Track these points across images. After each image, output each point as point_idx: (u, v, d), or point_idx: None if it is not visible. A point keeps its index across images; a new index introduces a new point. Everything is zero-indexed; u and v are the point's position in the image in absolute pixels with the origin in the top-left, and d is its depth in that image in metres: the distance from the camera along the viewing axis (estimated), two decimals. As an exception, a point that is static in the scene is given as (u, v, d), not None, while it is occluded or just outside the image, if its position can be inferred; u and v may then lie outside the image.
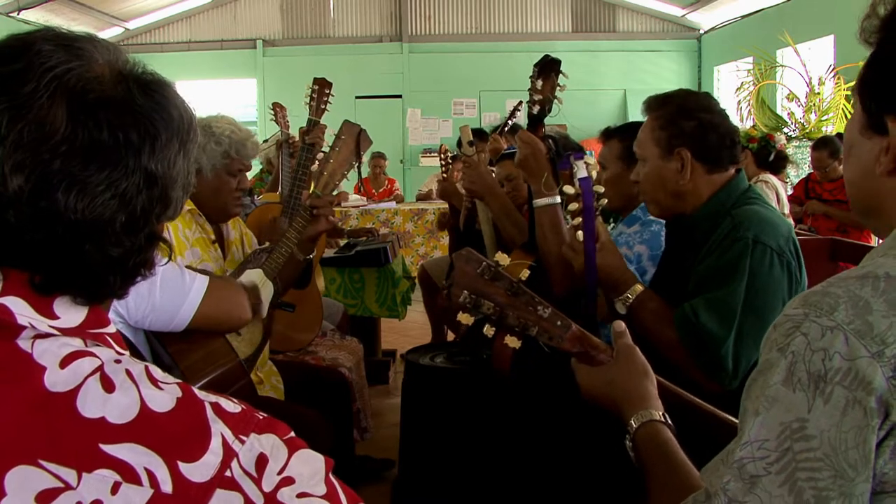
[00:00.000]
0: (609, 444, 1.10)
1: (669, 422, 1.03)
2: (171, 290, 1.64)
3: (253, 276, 2.05)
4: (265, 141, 4.73)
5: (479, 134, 5.20)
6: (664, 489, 0.94)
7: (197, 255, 2.07)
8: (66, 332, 0.68)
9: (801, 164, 6.72)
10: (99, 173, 0.66)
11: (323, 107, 2.67)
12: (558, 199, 1.93)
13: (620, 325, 1.14)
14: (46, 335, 0.66)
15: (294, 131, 3.80)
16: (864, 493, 0.70)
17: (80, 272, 0.68)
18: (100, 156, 0.66)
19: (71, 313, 0.69)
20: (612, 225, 2.37)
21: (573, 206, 1.57)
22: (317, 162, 2.12)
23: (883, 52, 0.79)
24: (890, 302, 0.71)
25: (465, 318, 1.08)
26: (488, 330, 1.09)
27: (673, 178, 1.68)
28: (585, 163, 1.54)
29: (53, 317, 0.68)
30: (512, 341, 1.08)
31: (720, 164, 1.68)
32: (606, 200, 1.59)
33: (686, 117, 1.67)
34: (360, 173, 2.25)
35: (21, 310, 0.66)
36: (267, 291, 2.03)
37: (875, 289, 0.72)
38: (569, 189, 1.56)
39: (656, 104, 1.73)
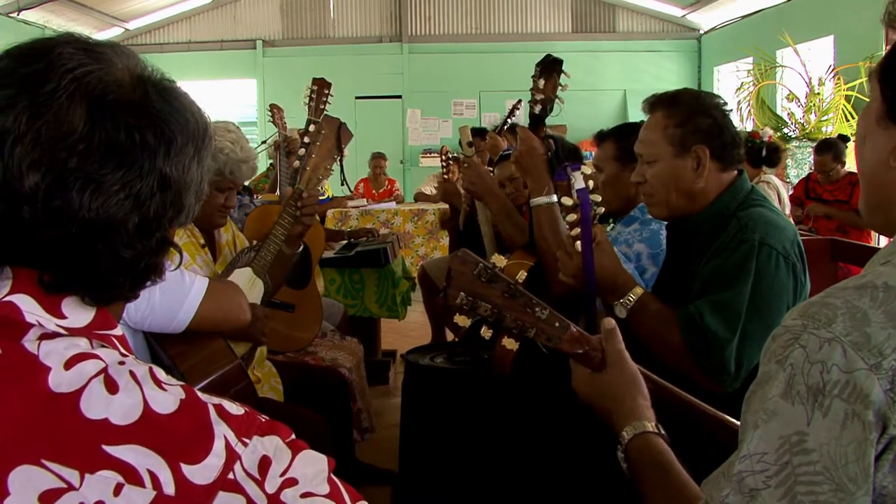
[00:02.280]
0: (609, 446, 1.10)
1: (663, 432, 1.02)
2: (171, 291, 1.64)
3: (242, 274, 2.04)
4: (264, 142, 4.73)
5: (480, 132, 5.20)
6: (658, 500, 0.94)
7: (185, 259, 2.06)
8: (72, 331, 0.68)
9: (801, 164, 6.72)
10: (114, 173, 0.66)
11: (322, 107, 2.66)
12: (555, 198, 1.92)
13: (610, 321, 1.11)
14: (53, 335, 0.67)
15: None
16: None
17: (90, 272, 0.68)
18: (116, 156, 0.66)
19: (78, 313, 0.69)
20: (612, 226, 2.37)
21: (571, 217, 1.57)
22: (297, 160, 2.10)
23: None
24: (888, 313, 0.71)
25: (462, 320, 1.06)
26: (486, 332, 1.07)
27: (689, 176, 1.65)
28: (582, 173, 1.53)
29: (61, 316, 0.68)
30: (510, 343, 1.07)
31: (731, 164, 1.68)
32: (603, 209, 1.58)
33: (702, 115, 1.66)
34: (342, 168, 2.24)
35: (29, 307, 0.67)
36: (257, 290, 2.02)
37: (874, 299, 0.72)
38: (567, 200, 1.56)
39: (667, 102, 1.70)
